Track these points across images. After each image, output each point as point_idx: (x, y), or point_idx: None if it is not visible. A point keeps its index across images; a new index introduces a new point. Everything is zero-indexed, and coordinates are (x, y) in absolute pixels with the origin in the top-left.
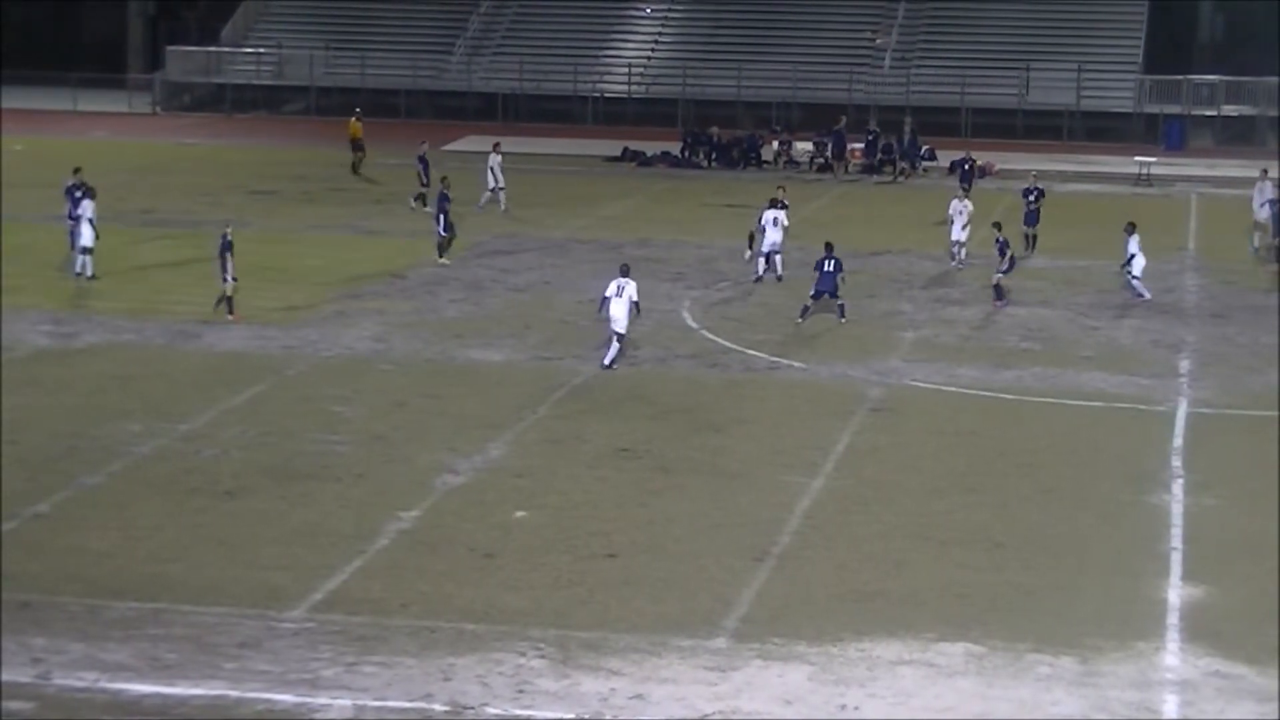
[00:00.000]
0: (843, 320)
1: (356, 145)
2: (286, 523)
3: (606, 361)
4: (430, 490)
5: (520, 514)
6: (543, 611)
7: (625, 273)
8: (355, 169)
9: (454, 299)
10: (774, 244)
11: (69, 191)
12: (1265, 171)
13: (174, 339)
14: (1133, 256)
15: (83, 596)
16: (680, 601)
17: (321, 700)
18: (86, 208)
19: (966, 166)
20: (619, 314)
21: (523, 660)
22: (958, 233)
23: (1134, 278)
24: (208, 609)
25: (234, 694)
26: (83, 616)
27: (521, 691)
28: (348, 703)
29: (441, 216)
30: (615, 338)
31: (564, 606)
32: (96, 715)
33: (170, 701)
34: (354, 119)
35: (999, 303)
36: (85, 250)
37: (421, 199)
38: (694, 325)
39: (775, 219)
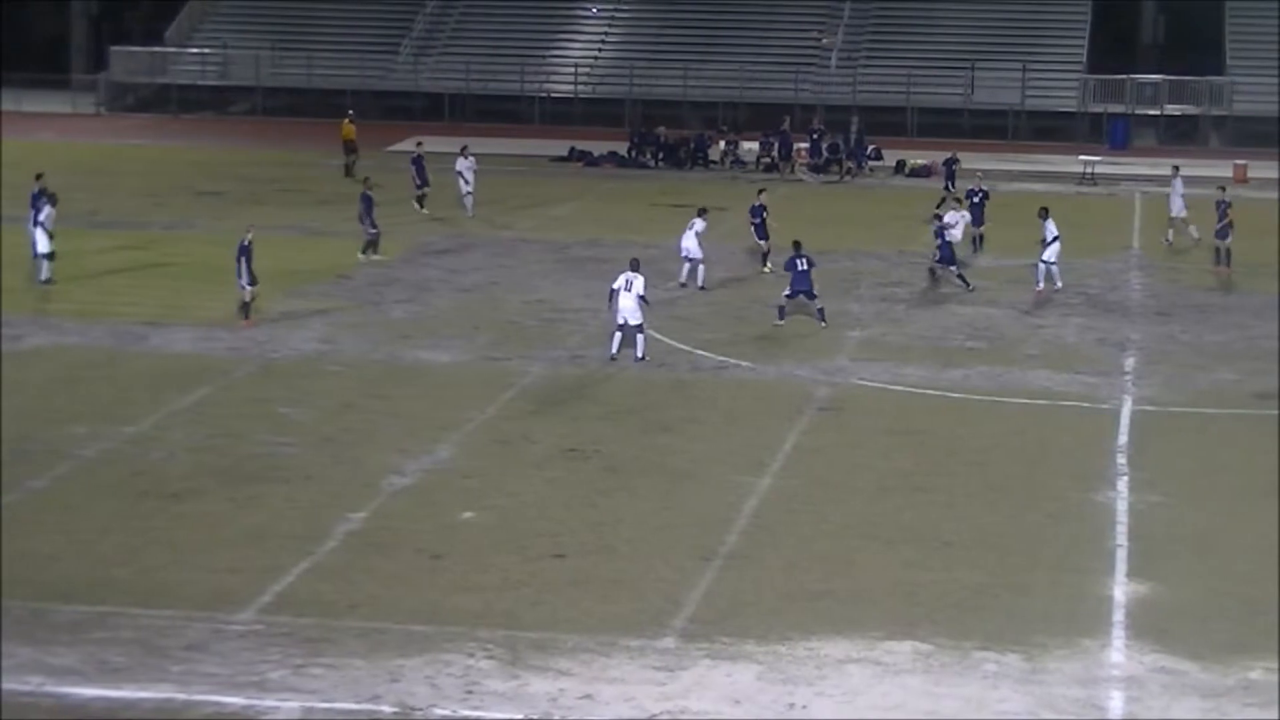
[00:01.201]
0: (823, 325)
1: (350, 147)
2: (235, 525)
3: (640, 354)
4: (378, 491)
5: (468, 515)
6: (491, 612)
7: (635, 267)
8: (349, 171)
9: (401, 299)
10: (686, 250)
11: (33, 198)
12: (1177, 169)
13: (121, 341)
14: (1051, 240)
15: (29, 600)
16: (629, 601)
17: (269, 703)
18: (46, 214)
19: (954, 167)
20: (630, 305)
21: (471, 661)
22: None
23: (1046, 262)
24: (156, 612)
25: (182, 697)
26: (29, 620)
27: (470, 692)
28: (296, 705)
29: (367, 216)
30: (635, 330)
31: (513, 607)
32: (43, 719)
33: (117, 705)
34: (347, 120)
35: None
36: (43, 256)
37: (420, 200)
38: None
39: (692, 225)
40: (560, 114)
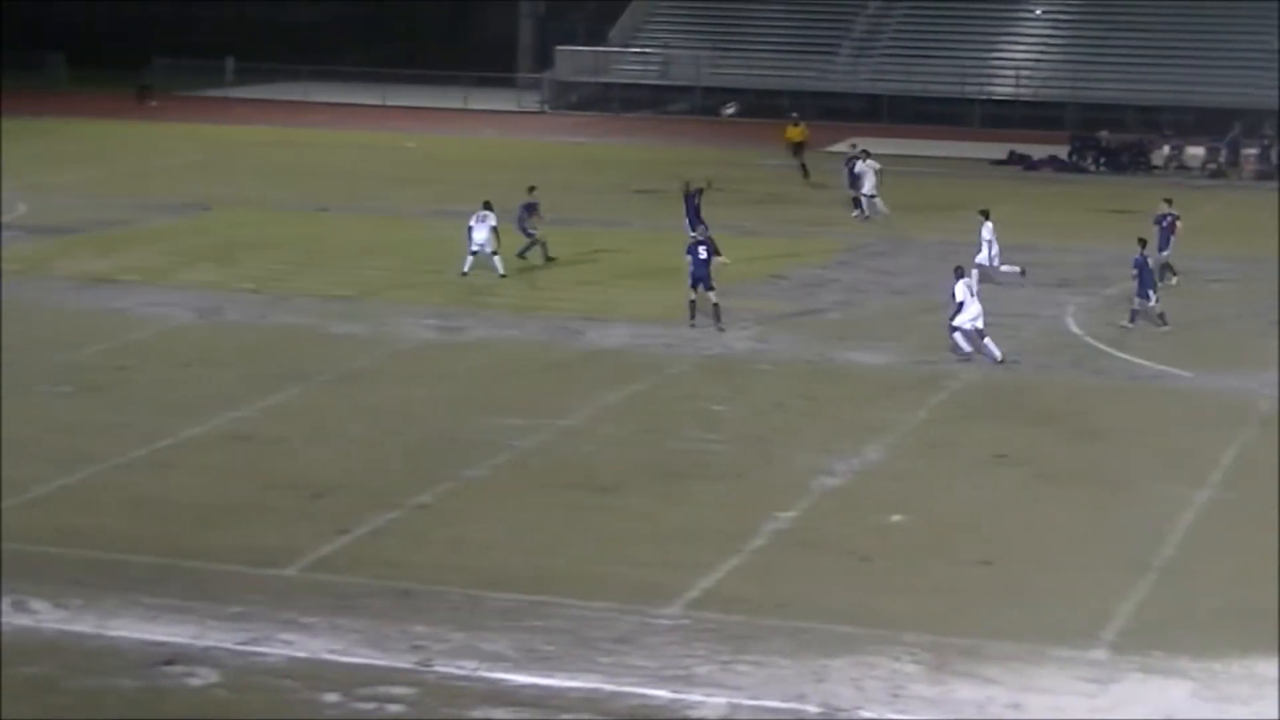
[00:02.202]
0: (1165, 327)
1: (796, 149)
2: (664, 520)
3: (997, 356)
4: (807, 491)
5: (897, 518)
6: (918, 616)
7: (960, 275)
8: (806, 173)
9: (835, 300)
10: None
11: (522, 210)
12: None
13: (557, 335)
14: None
15: (463, 586)
16: (1058, 611)
17: (695, 697)
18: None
19: None
20: (976, 311)
21: (897, 665)
22: None
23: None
24: (586, 603)
25: (609, 688)
26: (463, 606)
27: (896, 696)
28: (722, 701)
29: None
30: (980, 335)
31: (940, 612)
32: (475, 703)
33: (546, 693)
34: (792, 124)
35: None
36: (483, 252)
37: (857, 203)
38: (1078, 331)
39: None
40: (1000, 117)
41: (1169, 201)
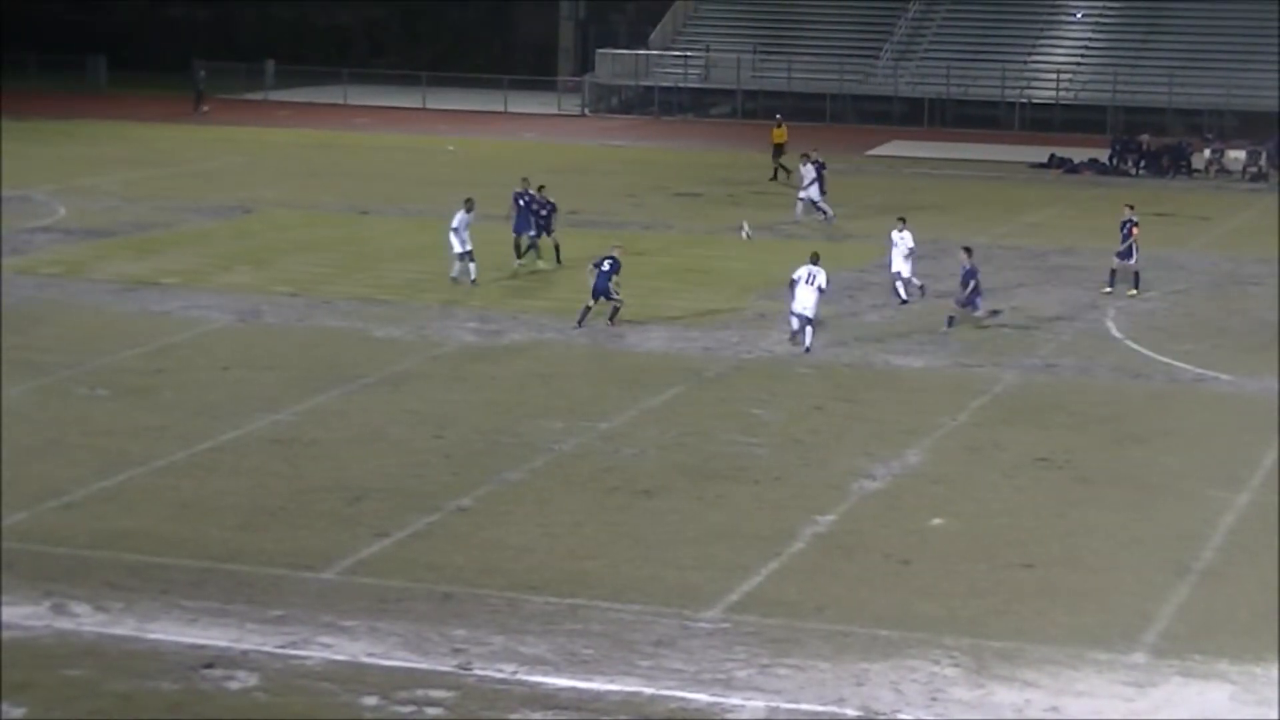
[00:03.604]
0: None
1: (778, 151)
2: (703, 523)
3: (807, 344)
4: (847, 495)
5: (937, 521)
6: (958, 620)
7: (816, 260)
8: (776, 175)
9: (874, 304)
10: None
11: (516, 199)
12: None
13: (597, 338)
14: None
15: (503, 590)
16: (1098, 614)
17: (735, 700)
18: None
19: None
20: (809, 300)
21: (936, 668)
22: None
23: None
24: (624, 606)
25: (649, 691)
26: (503, 609)
27: (935, 699)
28: (761, 704)
29: (532, 219)
30: (806, 323)
31: (979, 615)
32: (514, 706)
33: (586, 696)
34: (775, 125)
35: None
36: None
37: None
38: (1118, 335)
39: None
40: (1040, 120)
41: (1131, 207)
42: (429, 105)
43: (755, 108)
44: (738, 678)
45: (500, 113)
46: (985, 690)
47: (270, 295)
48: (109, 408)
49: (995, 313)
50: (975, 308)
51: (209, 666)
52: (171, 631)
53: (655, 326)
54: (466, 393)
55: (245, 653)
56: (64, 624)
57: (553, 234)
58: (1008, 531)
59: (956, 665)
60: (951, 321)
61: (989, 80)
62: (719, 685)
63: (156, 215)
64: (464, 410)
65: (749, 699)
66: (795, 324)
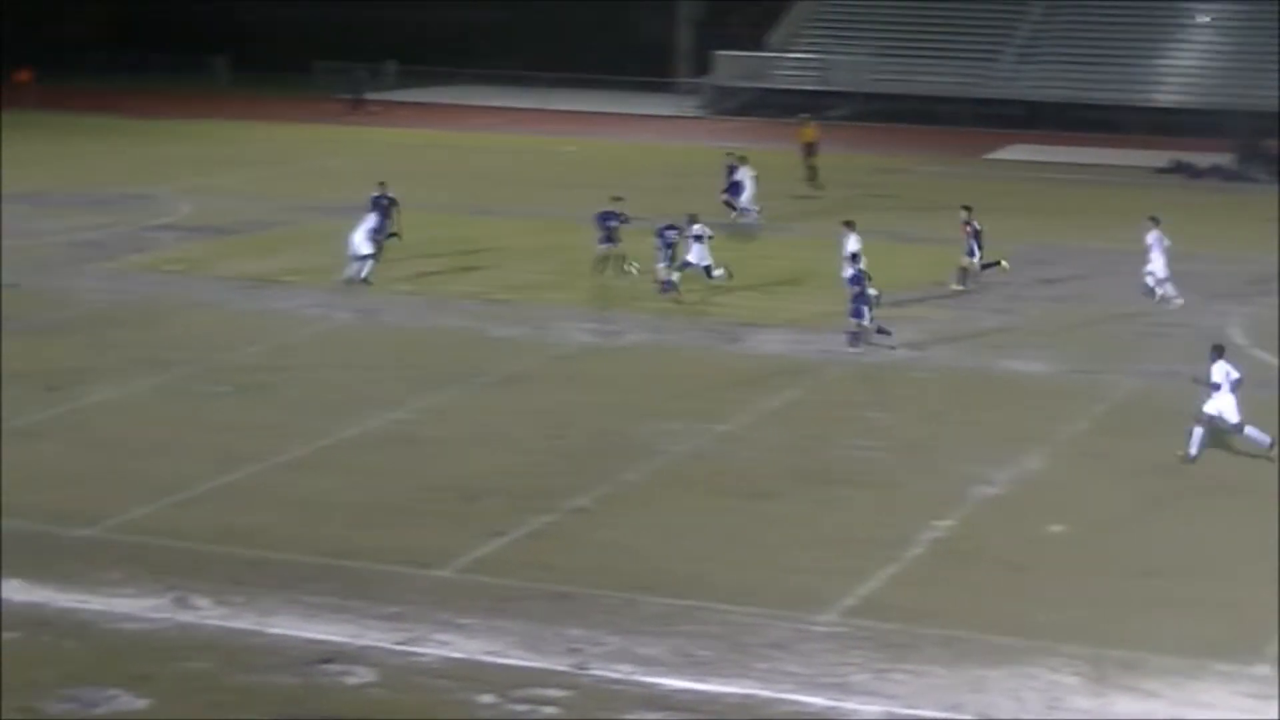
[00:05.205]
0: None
1: (809, 150)
2: (819, 527)
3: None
4: (964, 500)
5: (1057, 528)
6: (1077, 628)
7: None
8: (812, 177)
9: (993, 309)
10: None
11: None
12: None
13: (716, 340)
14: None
15: (619, 590)
16: (1221, 624)
17: (851, 705)
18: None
19: None
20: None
21: (1055, 676)
22: None
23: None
24: (741, 608)
25: (765, 694)
26: (619, 610)
27: (1053, 708)
28: (877, 709)
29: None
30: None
31: (1099, 623)
32: (630, 707)
33: (701, 698)
34: (802, 124)
35: None
36: (358, 257)
37: (730, 206)
38: (1241, 342)
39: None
40: (1164, 124)
41: (968, 209)
42: (548, 106)
43: (873, 110)
44: (854, 682)
45: (618, 114)
46: (1105, 700)
47: (389, 294)
48: (229, 404)
49: (885, 332)
50: (861, 316)
51: (327, 661)
52: (290, 626)
53: (773, 329)
54: (584, 393)
55: (363, 649)
56: (186, 617)
57: (618, 244)
58: (1128, 539)
59: (1076, 674)
60: (856, 340)
61: (1111, 83)
62: (835, 689)
63: (278, 214)
64: (582, 411)
65: (865, 703)
66: (1199, 434)
